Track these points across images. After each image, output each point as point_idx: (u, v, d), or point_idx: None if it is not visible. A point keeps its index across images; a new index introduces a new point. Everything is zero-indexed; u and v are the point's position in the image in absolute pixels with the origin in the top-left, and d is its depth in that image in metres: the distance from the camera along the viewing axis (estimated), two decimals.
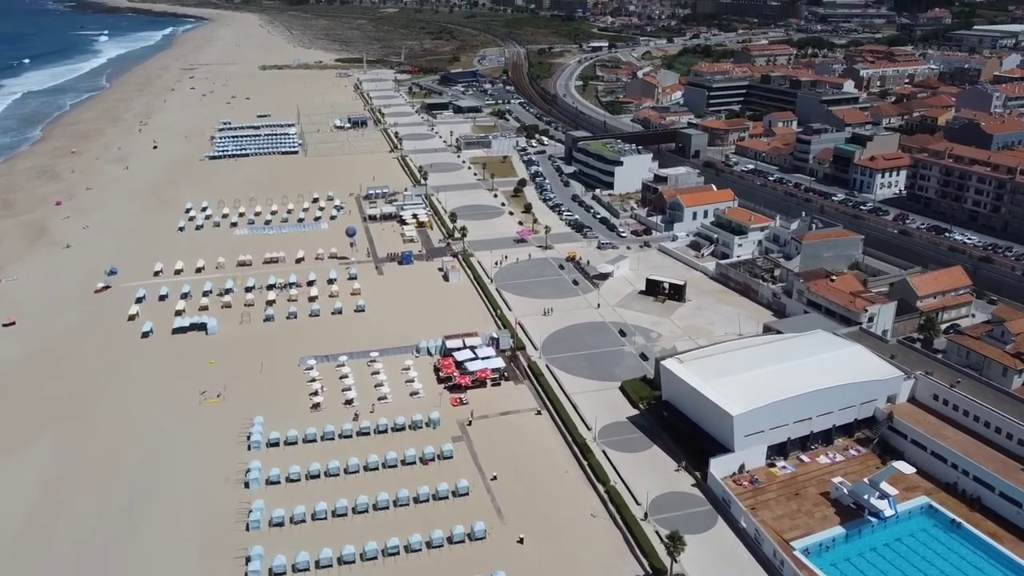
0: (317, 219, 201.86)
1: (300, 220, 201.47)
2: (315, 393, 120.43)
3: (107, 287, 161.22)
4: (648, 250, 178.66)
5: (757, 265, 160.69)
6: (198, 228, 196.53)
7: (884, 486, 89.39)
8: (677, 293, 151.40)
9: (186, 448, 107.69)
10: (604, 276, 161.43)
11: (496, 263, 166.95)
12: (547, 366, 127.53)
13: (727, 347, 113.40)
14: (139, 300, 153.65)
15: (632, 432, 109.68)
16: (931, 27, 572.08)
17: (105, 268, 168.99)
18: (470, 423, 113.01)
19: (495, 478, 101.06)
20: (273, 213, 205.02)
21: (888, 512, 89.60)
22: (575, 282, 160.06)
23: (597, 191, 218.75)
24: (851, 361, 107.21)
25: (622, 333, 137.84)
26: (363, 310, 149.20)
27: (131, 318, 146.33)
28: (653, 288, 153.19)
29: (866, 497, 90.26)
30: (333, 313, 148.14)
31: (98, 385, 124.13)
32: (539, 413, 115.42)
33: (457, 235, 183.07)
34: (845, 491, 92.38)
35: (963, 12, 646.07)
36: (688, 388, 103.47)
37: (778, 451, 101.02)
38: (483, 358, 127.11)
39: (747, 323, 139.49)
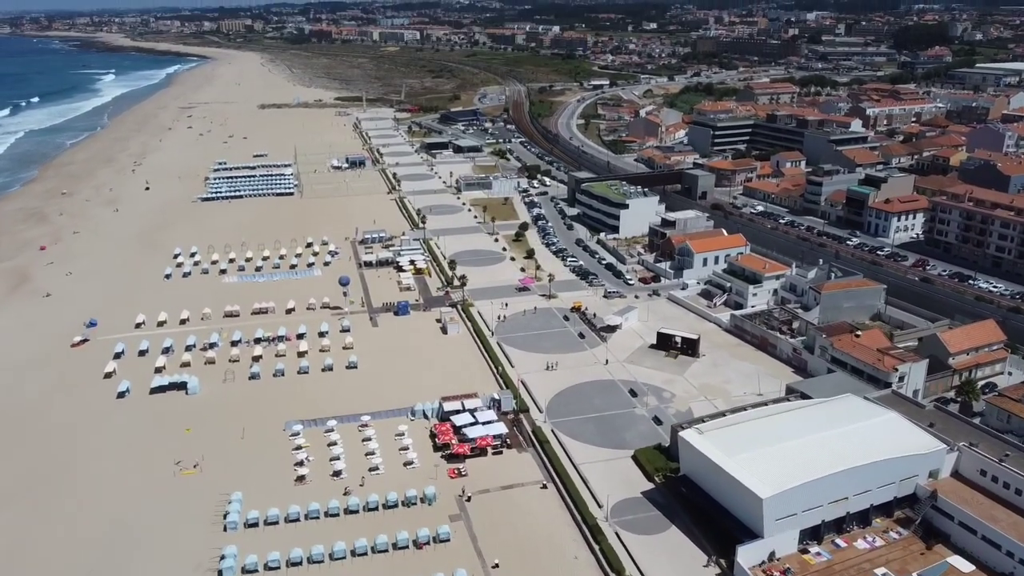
0: (310, 265, 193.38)
1: (292, 266, 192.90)
2: (300, 463, 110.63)
3: (85, 340, 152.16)
4: (657, 299, 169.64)
5: (774, 316, 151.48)
6: (185, 275, 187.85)
7: None
8: (690, 347, 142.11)
9: (156, 529, 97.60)
10: (612, 328, 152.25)
11: (499, 316, 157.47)
12: (552, 431, 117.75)
13: (750, 415, 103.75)
14: (117, 356, 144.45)
15: (648, 510, 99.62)
16: (933, 65, 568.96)
17: (85, 319, 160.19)
18: (468, 499, 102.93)
19: (496, 566, 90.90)
20: (265, 259, 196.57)
21: None
22: (581, 335, 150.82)
23: (602, 235, 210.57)
24: (887, 432, 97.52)
25: (633, 393, 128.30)
26: (355, 367, 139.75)
27: (107, 375, 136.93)
28: (665, 342, 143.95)
29: None
30: (323, 370, 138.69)
31: (65, 454, 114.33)
32: (544, 487, 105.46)
33: (456, 283, 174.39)
34: None
35: (963, 50, 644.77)
36: (710, 464, 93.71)
37: (811, 535, 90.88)
38: (483, 423, 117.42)
39: (767, 381, 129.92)
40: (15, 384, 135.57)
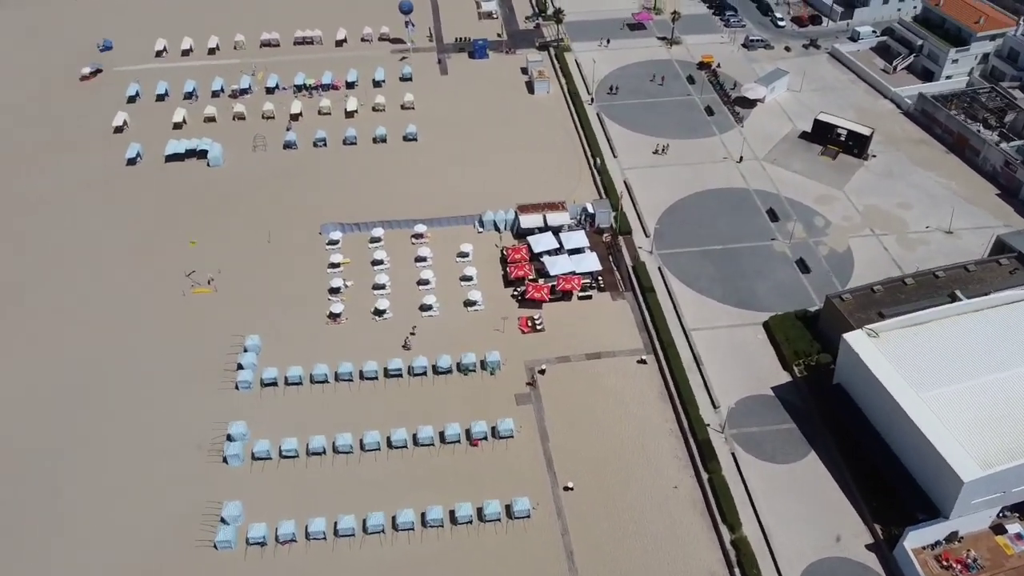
0: None
1: None
2: (336, 291, 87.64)
3: (97, 71, 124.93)
4: (816, 55, 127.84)
5: (979, 101, 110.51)
6: None
7: None
8: (857, 145, 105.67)
9: (153, 375, 78.68)
10: (751, 103, 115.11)
11: (611, 88, 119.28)
12: (660, 269, 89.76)
13: (950, 311, 72.25)
14: (131, 100, 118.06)
15: (779, 418, 74.41)
16: None
17: (98, 39, 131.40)
18: (542, 371, 79.46)
19: (569, 489, 69.75)
20: None
21: None
22: (709, 110, 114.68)
23: None
24: None
25: (773, 215, 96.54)
26: (414, 139, 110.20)
27: (117, 130, 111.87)
28: (823, 133, 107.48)
29: None
30: (375, 141, 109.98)
31: (54, 247, 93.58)
32: (643, 362, 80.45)
33: (550, 13, 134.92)
34: None
35: None
36: (883, 393, 65.85)
37: (1013, 507, 65.16)
38: (570, 251, 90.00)
39: (963, 211, 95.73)
40: (9, 135, 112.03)
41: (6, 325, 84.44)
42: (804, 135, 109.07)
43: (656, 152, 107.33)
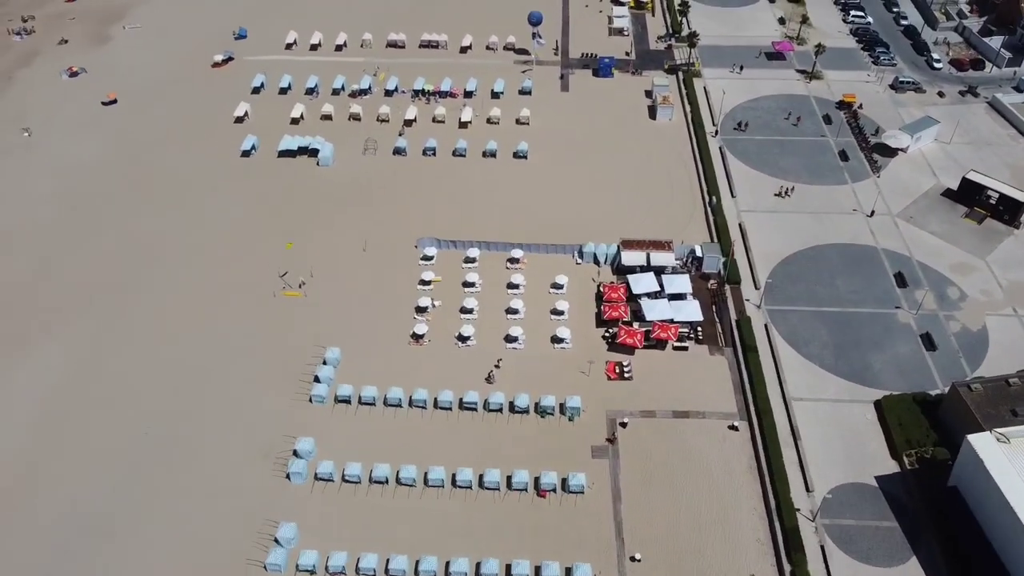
0: None
1: None
2: (423, 311, 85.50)
3: (229, 59, 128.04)
4: (973, 104, 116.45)
5: None
6: None
7: None
8: (1008, 211, 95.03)
9: (232, 376, 78.69)
10: (891, 151, 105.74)
11: (740, 124, 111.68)
12: (766, 327, 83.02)
13: None
14: (255, 91, 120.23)
15: (879, 513, 66.89)
16: None
17: (235, 26, 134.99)
18: (624, 425, 74.65)
19: (636, 560, 64.77)
20: None
21: None
22: (843, 155, 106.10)
23: None
24: None
25: (901, 280, 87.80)
26: (524, 156, 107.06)
27: (238, 120, 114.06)
28: (970, 193, 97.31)
29: None
30: (484, 155, 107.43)
31: (158, 233, 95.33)
32: (735, 428, 74.34)
33: (684, 34, 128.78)
34: None
35: None
36: (1006, 508, 57.77)
37: None
38: (671, 295, 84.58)
39: None
40: (143, 112, 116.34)
41: (104, 306, 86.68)
42: (948, 193, 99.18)
43: (779, 195, 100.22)
